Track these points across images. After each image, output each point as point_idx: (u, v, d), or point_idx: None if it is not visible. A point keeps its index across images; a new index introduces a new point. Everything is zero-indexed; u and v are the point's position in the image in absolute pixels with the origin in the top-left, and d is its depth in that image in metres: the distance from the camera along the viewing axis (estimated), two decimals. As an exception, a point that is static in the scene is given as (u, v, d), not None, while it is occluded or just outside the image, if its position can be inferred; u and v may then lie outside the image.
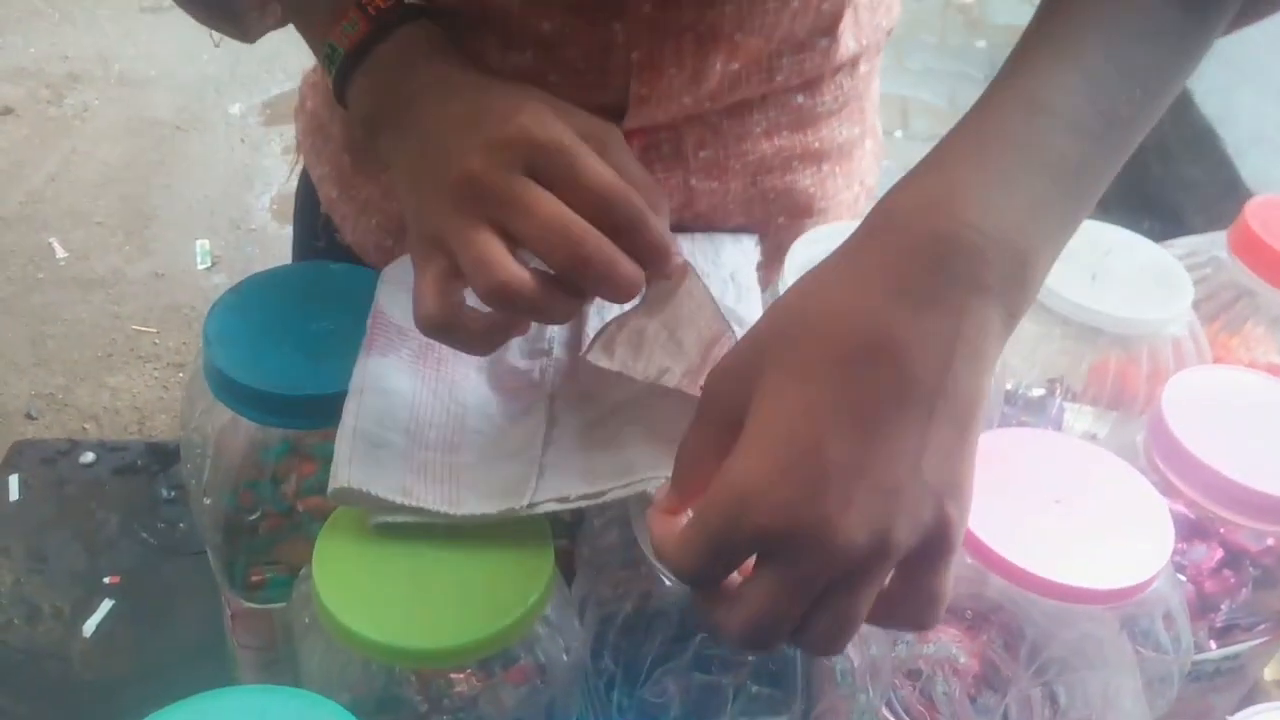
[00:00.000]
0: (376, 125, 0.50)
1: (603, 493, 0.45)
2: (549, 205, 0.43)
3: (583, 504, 0.45)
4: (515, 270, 0.42)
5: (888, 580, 0.38)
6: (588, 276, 0.43)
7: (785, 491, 0.35)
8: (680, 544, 0.38)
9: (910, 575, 0.38)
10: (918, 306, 0.37)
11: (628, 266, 0.43)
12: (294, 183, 0.77)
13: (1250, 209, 0.68)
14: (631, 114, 0.59)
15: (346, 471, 0.45)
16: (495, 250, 0.43)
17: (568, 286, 0.44)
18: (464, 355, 0.51)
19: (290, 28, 0.59)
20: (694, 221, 0.65)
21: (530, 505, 0.45)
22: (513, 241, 0.43)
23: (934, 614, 0.38)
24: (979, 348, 0.37)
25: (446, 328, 0.44)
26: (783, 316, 0.39)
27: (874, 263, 0.38)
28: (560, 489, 0.46)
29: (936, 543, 0.37)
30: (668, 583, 0.46)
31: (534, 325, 0.61)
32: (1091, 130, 0.41)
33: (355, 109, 0.51)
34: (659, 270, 0.45)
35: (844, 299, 0.38)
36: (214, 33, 0.65)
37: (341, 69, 0.50)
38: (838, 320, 0.37)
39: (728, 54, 0.58)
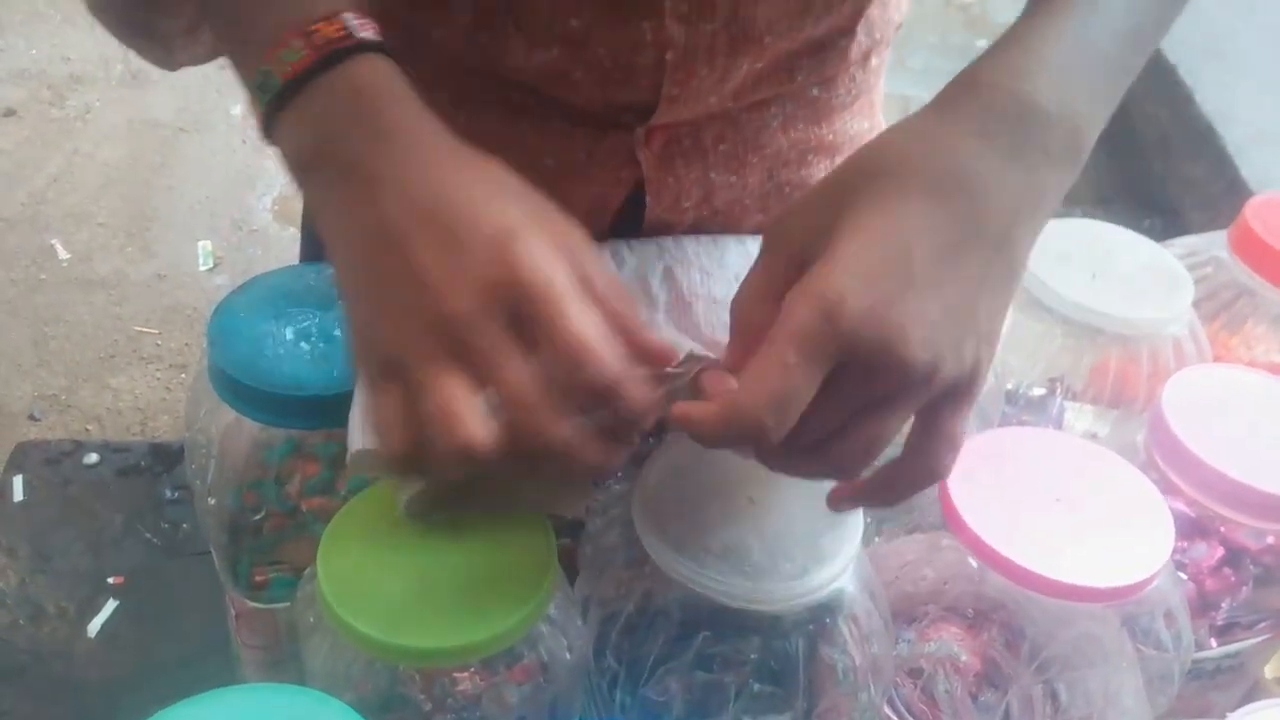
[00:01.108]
0: (309, 172, 0.44)
1: None
2: (523, 375, 0.38)
3: None
4: (483, 432, 0.38)
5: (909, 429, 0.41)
6: (547, 455, 0.39)
7: (877, 293, 0.38)
8: (758, 371, 0.38)
9: (935, 417, 0.41)
10: (999, 155, 0.41)
11: (590, 455, 0.40)
12: (297, 185, 0.77)
13: (1251, 208, 0.68)
14: (660, 112, 0.60)
15: (361, 437, 0.44)
16: (466, 406, 0.38)
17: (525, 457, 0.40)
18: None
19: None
20: (712, 219, 0.65)
21: None
22: (479, 385, 0.39)
23: (951, 459, 0.41)
24: (1039, 207, 0.42)
25: (417, 468, 0.41)
26: (870, 156, 0.42)
27: (960, 115, 0.42)
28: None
29: (966, 384, 0.40)
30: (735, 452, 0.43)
31: None
32: (1131, 32, 0.47)
33: (285, 147, 0.44)
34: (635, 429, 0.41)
35: (933, 141, 0.42)
36: (130, 53, 0.58)
37: (274, 101, 0.43)
38: (926, 157, 0.41)
39: (755, 55, 0.59)
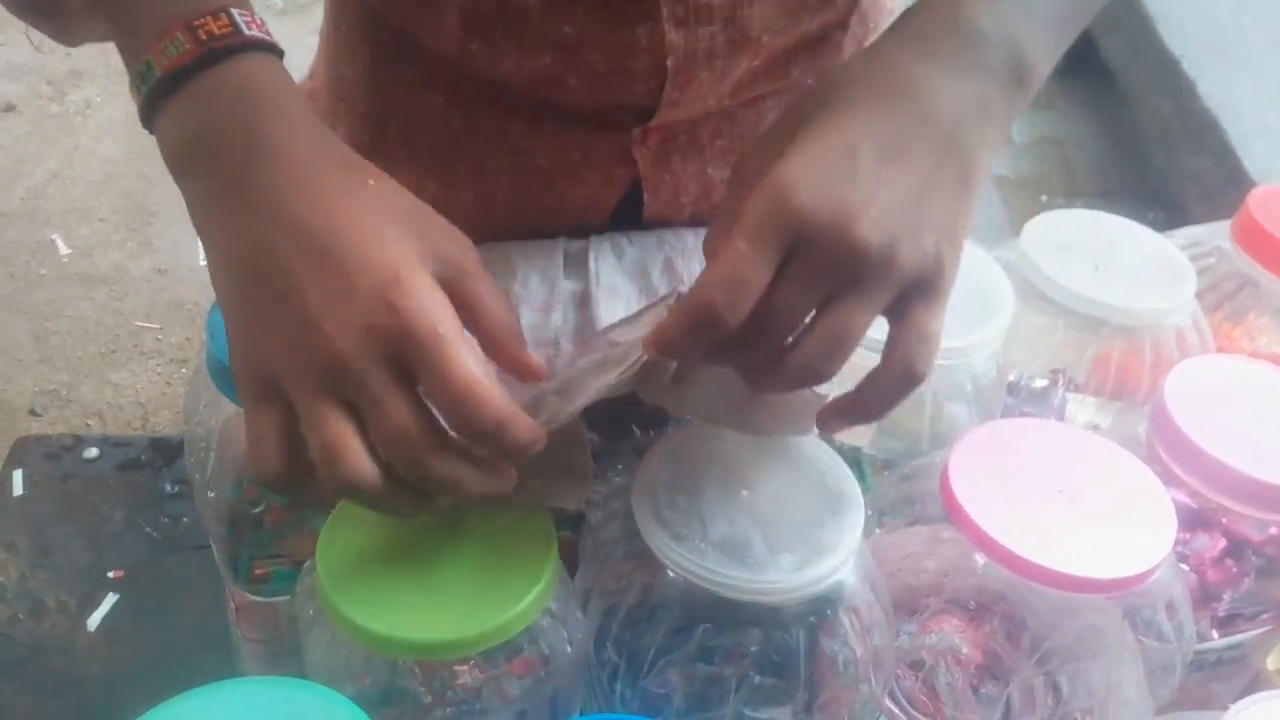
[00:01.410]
0: (185, 170, 0.43)
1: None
2: (405, 415, 0.39)
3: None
4: (367, 468, 0.39)
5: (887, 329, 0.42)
6: (432, 488, 0.41)
7: (823, 180, 0.40)
8: (723, 250, 0.40)
9: (906, 313, 0.42)
10: (938, 66, 0.44)
11: (473, 484, 0.41)
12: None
13: (1253, 199, 0.67)
14: (659, 115, 0.60)
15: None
16: (349, 442, 0.39)
17: (412, 486, 0.41)
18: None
19: None
20: (712, 213, 0.65)
21: None
22: (360, 420, 0.40)
23: (927, 355, 0.42)
24: (984, 118, 0.44)
25: (294, 488, 0.41)
26: (821, 83, 0.45)
27: (902, 36, 0.45)
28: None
29: (932, 279, 0.42)
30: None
31: (540, 314, 0.61)
32: None
33: (162, 141, 0.43)
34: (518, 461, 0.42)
35: (876, 59, 0.45)
36: (31, 32, 0.56)
37: (151, 95, 0.42)
38: (870, 73, 0.44)
39: (753, 54, 0.59)
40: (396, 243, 0.40)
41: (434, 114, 0.62)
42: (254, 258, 0.40)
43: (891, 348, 0.43)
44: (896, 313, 0.42)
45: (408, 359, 0.39)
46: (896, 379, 0.43)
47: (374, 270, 0.39)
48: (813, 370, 0.42)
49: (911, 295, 0.42)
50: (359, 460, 0.39)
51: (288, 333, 0.39)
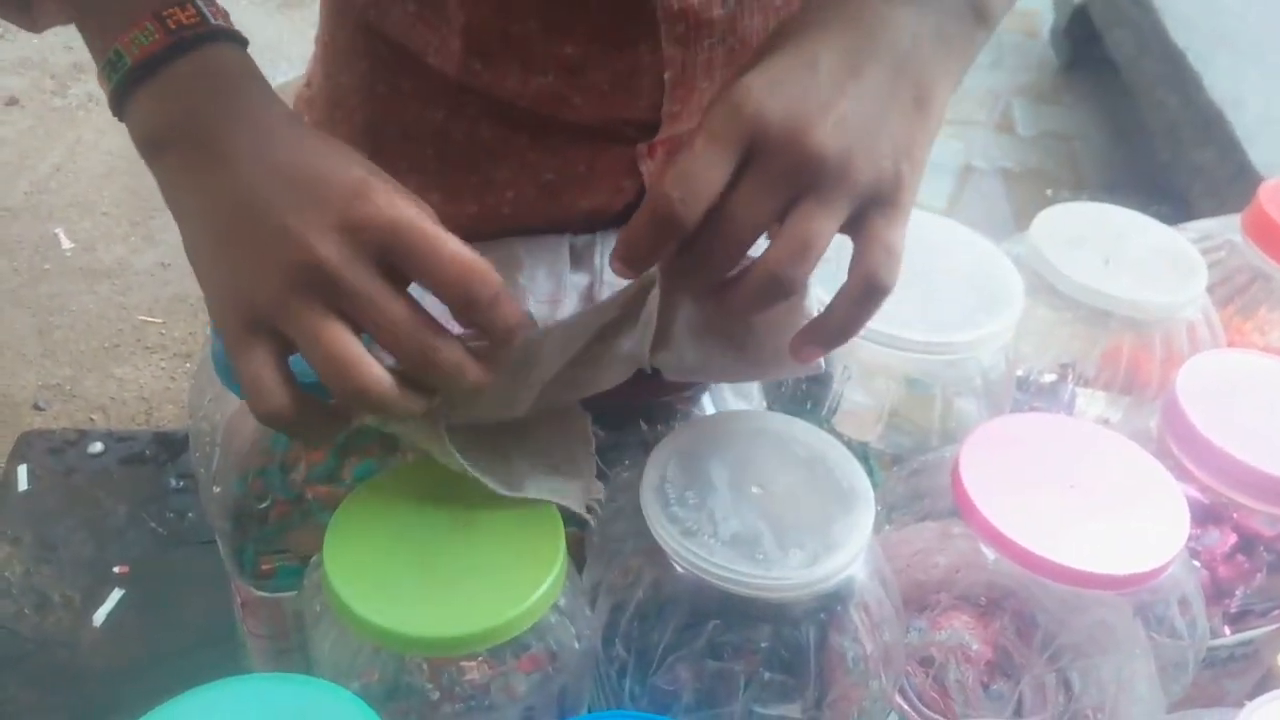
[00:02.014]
0: (160, 149, 0.44)
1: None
2: (401, 307, 0.40)
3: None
4: (378, 373, 0.40)
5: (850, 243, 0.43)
6: (437, 378, 0.42)
7: (782, 86, 0.41)
8: (683, 155, 0.41)
9: (866, 225, 0.43)
10: (899, 1, 0.45)
11: (474, 371, 0.42)
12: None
13: (1265, 192, 0.67)
14: (663, 129, 0.60)
15: None
16: (354, 349, 0.40)
17: (416, 383, 0.42)
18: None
19: None
20: None
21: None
22: (357, 329, 0.41)
23: (890, 266, 0.43)
24: (941, 47, 0.45)
25: (299, 421, 0.42)
26: (787, 17, 0.46)
27: None
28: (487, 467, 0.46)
29: (890, 194, 0.43)
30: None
31: (547, 306, 0.60)
32: None
33: (135, 128, 0.44)
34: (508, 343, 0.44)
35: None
36: None
37: (123, 82, 0.43)
38: (824, 7, 0.45)
39: None
40: (362, 167, 0.42)
41: (435, 127, 0.61)
42: (229, 202, 0.42)
43: (855, 262, 0.43)
44: (857, 226, 0.43)
45: (391, 249, 0.40)
46: (861, 291, 0.43)
47: (344, 180, 0.41)
48: (778, 279, 0.42)
49: (871, 208, 0.43)
50: (367, 364, 0.40)
51: (269, 258, 0.40)
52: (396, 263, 0.41)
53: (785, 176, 0.41)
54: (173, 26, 0.43)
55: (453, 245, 0.40)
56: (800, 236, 0.42)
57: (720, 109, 0.41)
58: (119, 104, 0.44)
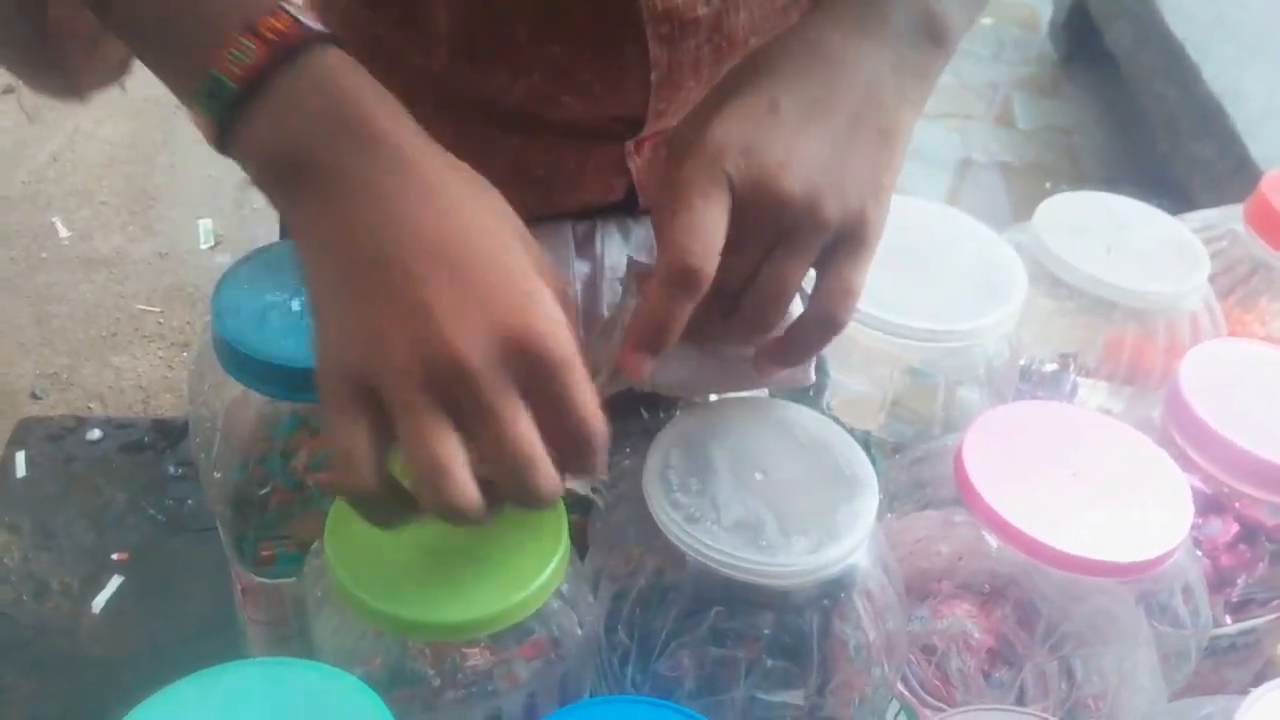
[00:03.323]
0: (286, 178, 0.40)
1: None
2: (525, 427, 0.38)
3: None
4: (473, 494, 0.37)
5: (814, 279, 0.45)
6: (520, 500, 0.39)
7: (749, 138, 0.42)
8: (672, 226, 0.42)
9: (830, 264, 0.44)
10: (847, 31, 0.46)
11: (556, 495, 0.40)
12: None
13: (1267, 182, 0.67)
14: (648, 126, 0.60)
15: None
16: (458, 464, 0.37)
17: (491, 493, 0.39)
18: None
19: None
20: None
21: None
22: (462, 433, 0.38)
23: (847, 305, 0.44)
24: (900, 77, 0.46)
25: (375, 506, 0.39)
26: (745, 59, 0.47)
27: (814, 12, 0.47)
28: None
29: (856, 231, 0.43)
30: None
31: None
32: None
33: (252, 156, 0.40)
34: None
35: (796, 31, 0.47)
36: (24, 99, 0.54)
37: (230, 107, 0.39)
38: (789, 42, 0.46)
39: (741, 57, 0.58)
40: (521, 256, 0.39)
41: (423, 126, 0.61)
42: (371, 259, 0.38)
43: (815, 297, 0.45)
44: (822, 263, 0.44)
45: (535, 373, 0.37)
46: (818, 326, 0.45)
47: (513, 280, 0.38)
48: (756, 322, 0.45)
49: (837, 247, 0.44)
50: (467, 482, 0.37)
51: (399, 332, 0.37)
52: (533, 388, 0.38)
53: (759, 225, 0.43)
54: (271, 37, 0.39)
55: (586, 397, 0.38)
56: (774, 284, 0.43)
57: (699, 164, 0.42)
58: (226, 133, 0.40)
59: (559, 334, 0.38)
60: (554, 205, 0.63)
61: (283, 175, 0.40)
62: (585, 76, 0.57)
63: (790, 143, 0.42)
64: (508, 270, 0.38)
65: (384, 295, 0.38)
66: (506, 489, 0.39)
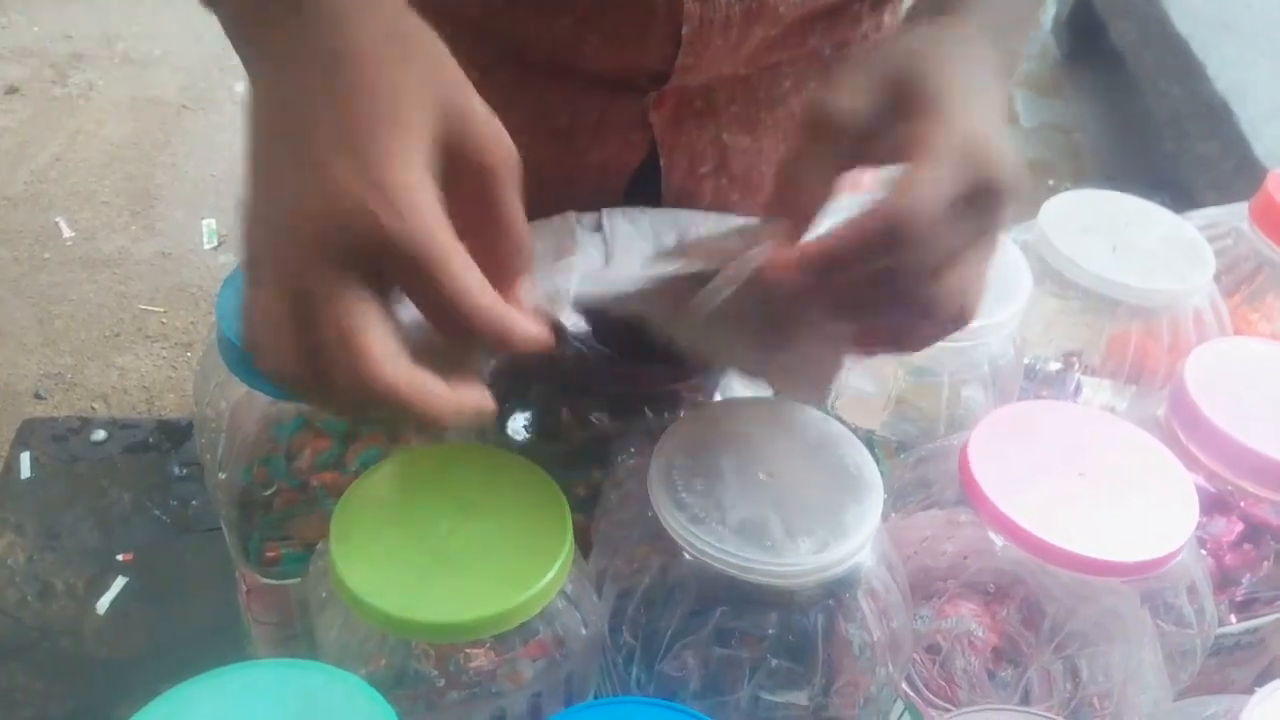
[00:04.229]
0: (242, 37, 0.40)
1: None
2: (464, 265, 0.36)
3: None
4: (390, 367, 0.35)
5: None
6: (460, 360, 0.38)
7: (999, 138, 0.42)
8: (918, 169, 0.40)
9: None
10: (990, 73, 0.46)
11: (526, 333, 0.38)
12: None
13: (1272, 180, 0.67)
14: (673, 80, 0.60)
15: None
16: (371, 327, 0.35)
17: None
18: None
19: None
20: (729, 188, 0.65)
21: None
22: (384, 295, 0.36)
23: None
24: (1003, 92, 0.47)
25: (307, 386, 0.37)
26: (920, 47, 0.45)
27: (961, 47, 0.46)
28: None
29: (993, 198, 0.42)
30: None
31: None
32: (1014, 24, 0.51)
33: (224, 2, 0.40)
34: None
35: (958, 49, 0.45)
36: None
37: None
38: (965, 53, 0.45)
39: (770, 23, 0.59)
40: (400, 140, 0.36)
41: None
42: (277, 136, 0.37)
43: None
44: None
45: (399, 277, 0.36)
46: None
47: (366, 169, 0.35)
48: (964, 310, 0.43)
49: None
50: (380, 351, 0.35)
51: (275, 221, 0.36)
52: (406, 289, 0.36)
53: (977, 219, 0.41)
54: None
55: (471, 291, 0.36)
56: (977, 277, 0.43)
57: (955, 142, 0.40)
58: None
59: (407, 228, 0.35)
60: (574, 158, 0.63)
61: (241, 32, 0.40)
62: (613, 22, 0.57)
63: (1009, 148, 0.42)
64: (377, 133, 0.36)
65: (288, 135, 0.37)
66: (492, 342, 0.37)
